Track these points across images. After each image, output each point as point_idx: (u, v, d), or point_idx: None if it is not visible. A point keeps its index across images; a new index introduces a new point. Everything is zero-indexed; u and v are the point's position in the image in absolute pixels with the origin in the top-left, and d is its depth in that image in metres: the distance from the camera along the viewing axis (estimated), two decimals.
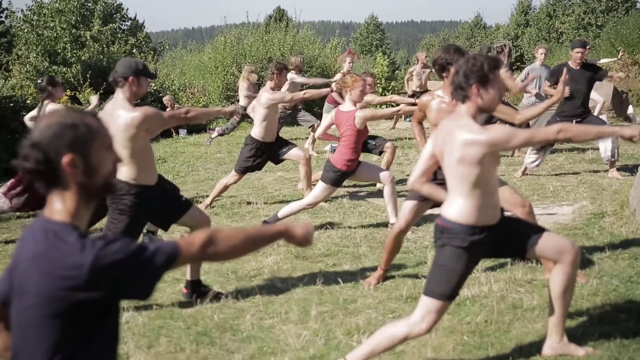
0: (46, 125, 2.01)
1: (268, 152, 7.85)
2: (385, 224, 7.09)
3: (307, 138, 12.49)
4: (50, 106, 7.16)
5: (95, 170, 2.05)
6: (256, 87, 12.70)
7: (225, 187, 8.10)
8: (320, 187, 6.89)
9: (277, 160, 8.07)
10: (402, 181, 9.46)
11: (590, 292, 4.81)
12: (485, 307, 4.68)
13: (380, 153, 8.81)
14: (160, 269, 2.04)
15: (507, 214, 5.05)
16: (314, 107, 16.00)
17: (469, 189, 3.54)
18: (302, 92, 8.09)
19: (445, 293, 3.60)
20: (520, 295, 4.86)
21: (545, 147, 8.79)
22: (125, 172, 4.85)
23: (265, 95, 7.69)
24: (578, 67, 8.58)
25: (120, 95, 4.79)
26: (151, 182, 4.97)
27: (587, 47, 8.75)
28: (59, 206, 2.04)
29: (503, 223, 3.75)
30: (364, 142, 7.60)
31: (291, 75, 11.73)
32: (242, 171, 7.92)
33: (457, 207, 3.58)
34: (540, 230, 3.79)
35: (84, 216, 2.08)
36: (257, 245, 2.27)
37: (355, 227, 7.08)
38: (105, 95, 9.90)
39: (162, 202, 5.04)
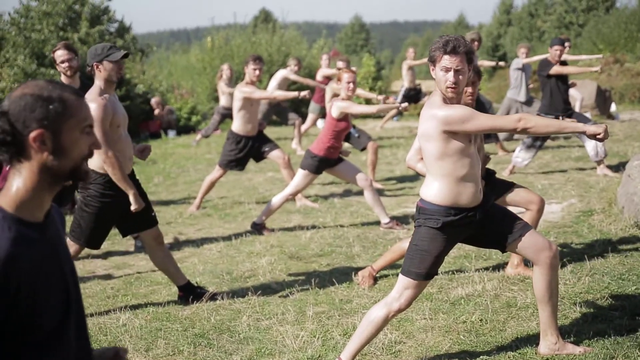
0: (19, 94, 1.85)
1: (250, 146, 7.85)
2: (377, 223, 7.13)
3: (293, 138, 12.55)
4: None
5: (65, 151, 1.87)
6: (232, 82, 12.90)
7: (212, 184, 8.11)
8: (299, 175, 6.95)
9: (259, 157, 8.07)
10: (391, 179, 9.53)
11: (583, 290, 4.87)
12: (479, 306, 4.72)
13: (362, 149, 8.95)
14: None
15: (515, 209, 5.14)
16: (302, 107, 16.02)
17: (437, 167, 3.61)
18: (270, 91, 8.15)
19: (420, 272, 3.68)
20: (513, 294, 4.91)
21: (534, 145, 8.90)
22: (93, 160, 4.76)
23: (238, 87, 7.77)
24: (557, 64, 8.76)
25: (95, 83, 4.81)
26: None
27: (566, 44, 8.91)
28: (10, 188, 1.87)
29: (488, 211, 3.79)
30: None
31: (285, 72, 11.80)
32: (226, 165, 7.92)
33: (433, 188, 3.66)
34: (526, 226, 3.82)
35: (39, 200, 1.89)
36: None
37: (347, 227, 7.11)
38: None
39: None
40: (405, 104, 7.14)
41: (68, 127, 1.87)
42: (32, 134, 1.83)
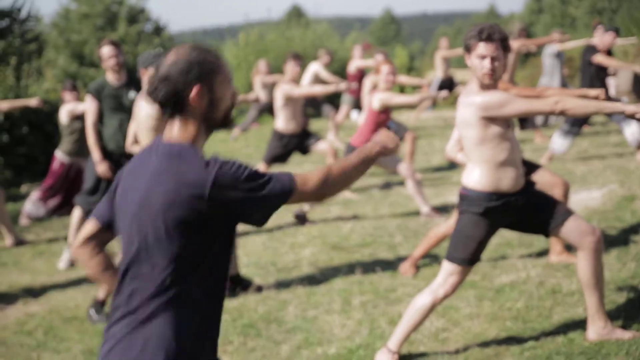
0: (174, 61, 2.14)
1: (294, 143, 7.93)
2: (416, 213, 7.16)
3: (328, 131, 12.60)
4: (64, 107, 7.27)
5: (217, 103, 2.17)
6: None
7: None
8: None
9: (305, 150, 8.14)
10: (428, 169, 9.54)
11: (629, 276, 4.85)
12: (524, 293, 4.74)
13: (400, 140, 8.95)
14: (275, 196, 2.11)
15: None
16: (335, 99, 16.06)
17: (477, 154, 3.66)
18: (309, 87, 8.20)
19: (465, 258, 3.74)
20: (558, 280, 4.91)
21: (571, 131, 8.82)
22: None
23: (279, 86, 7.86)
24: (604, 52, 8.65)
25: (144, 87, 4.95)
26: None
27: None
28: (180, 130, 2.15)
29: (530, 196, 3.82)
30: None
31: (317, 67, 11.85)
32: (270, 160, 8.01)
33: (475, 174, 3.71)
34: (568, 211, 3.83)
35: (202, 144, 2.18)
36: (362, 172, 2.34)
37: (387, 217, 7.16)
38: None
39: None
40: (445, 92, 7.16)
41: (218, 81, 2.18)
42: (193, 91, 2.13)
